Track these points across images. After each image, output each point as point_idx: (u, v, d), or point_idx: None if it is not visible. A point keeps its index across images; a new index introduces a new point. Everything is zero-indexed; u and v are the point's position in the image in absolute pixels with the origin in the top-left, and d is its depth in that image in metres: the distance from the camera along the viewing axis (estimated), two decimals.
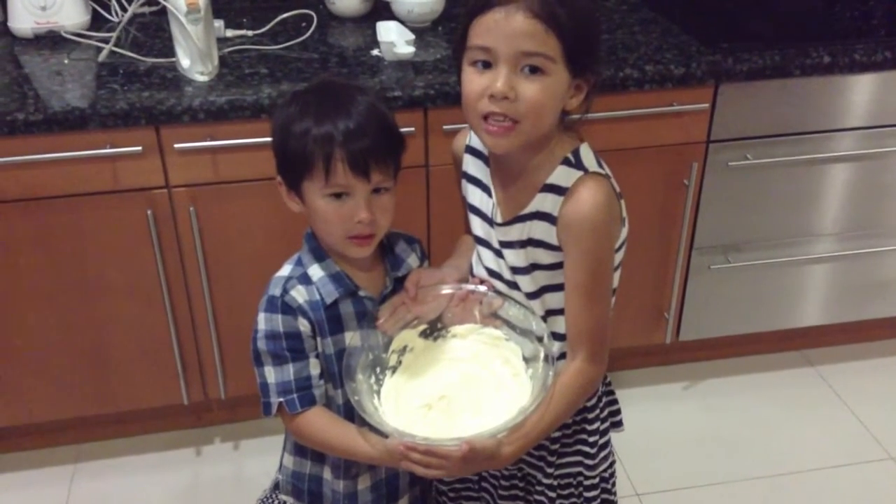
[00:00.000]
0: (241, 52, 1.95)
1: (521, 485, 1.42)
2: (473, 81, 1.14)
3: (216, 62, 1.83)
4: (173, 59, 1.85)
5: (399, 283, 1.34)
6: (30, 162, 1.71)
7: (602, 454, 1.38)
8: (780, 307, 2.27)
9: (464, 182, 1.34)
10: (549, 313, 1.28)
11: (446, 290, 1.33)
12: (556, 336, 1.28)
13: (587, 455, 1.36)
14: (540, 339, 1.24)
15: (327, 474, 1.38)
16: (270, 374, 1.28)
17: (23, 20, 2.01)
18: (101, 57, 1.90)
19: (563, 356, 1.28)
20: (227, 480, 2.08)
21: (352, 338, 1.29)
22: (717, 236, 2.12)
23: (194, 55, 1.78)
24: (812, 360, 2.44)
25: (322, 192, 1.21)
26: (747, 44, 1.95)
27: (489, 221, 1.29)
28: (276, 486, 1.49)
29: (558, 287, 1.25)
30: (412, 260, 1.38)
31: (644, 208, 2.03)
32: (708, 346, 2.36)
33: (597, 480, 1.39)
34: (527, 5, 1.09)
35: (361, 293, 1.30)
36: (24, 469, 2.10)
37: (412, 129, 1.79)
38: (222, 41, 1.98)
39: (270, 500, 1.49)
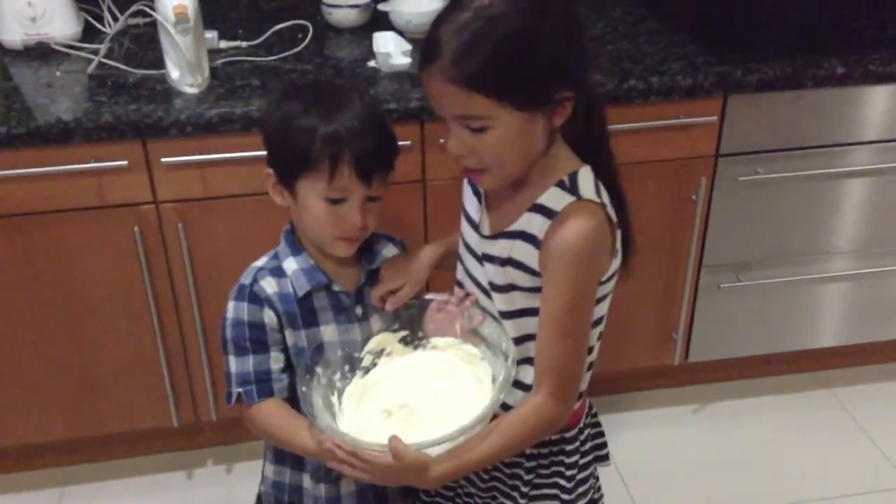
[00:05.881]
0: (234, 64, 1.91)
1: None
2: (444, 138, 1.13)
3: (206, 74, 1.79)
4: (164, 71, 1.81)
5: (371, 276, 1.35)
6: (12, 177, 1.68)
7: (580, 489, 1.32)
8: (792, 327, 2.22)
9: (465, 183, 1.32)
10: (526, 338, 1.22)
11: (430, 297, 1.33)
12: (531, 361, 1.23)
13: (563, 489, 1.30)
14: (507, 359, 1.20)
15: (307, 482, 1.38)
16: (233, 363, 1.31)
17: (12, 32, 1.98)
18: (90, 69, 1.87)
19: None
20: None
21: (329, 333, 1.30)
22: (727, 254, 2.07)
23: (183, 66, 1.74)
24: (827, 382, 2.38)
25: (321, 194, 1.23)
26: (757, 54, 1.90)
27: (477, 230, 1.26)
28: (258, 500, 1.47)
29: (537, 312, 1.19)
30: (387, 251, 1.40)
31: (651, 225, 1.97)
32: (718, 367, 2.32)
33: None
34: (439, 68, 1.05)
35: (335, 287, 1.32)
36: (9, 492, 2.06)
37: (408, 142, 1.75)
38: (216, 53, 1.94)
39: None
